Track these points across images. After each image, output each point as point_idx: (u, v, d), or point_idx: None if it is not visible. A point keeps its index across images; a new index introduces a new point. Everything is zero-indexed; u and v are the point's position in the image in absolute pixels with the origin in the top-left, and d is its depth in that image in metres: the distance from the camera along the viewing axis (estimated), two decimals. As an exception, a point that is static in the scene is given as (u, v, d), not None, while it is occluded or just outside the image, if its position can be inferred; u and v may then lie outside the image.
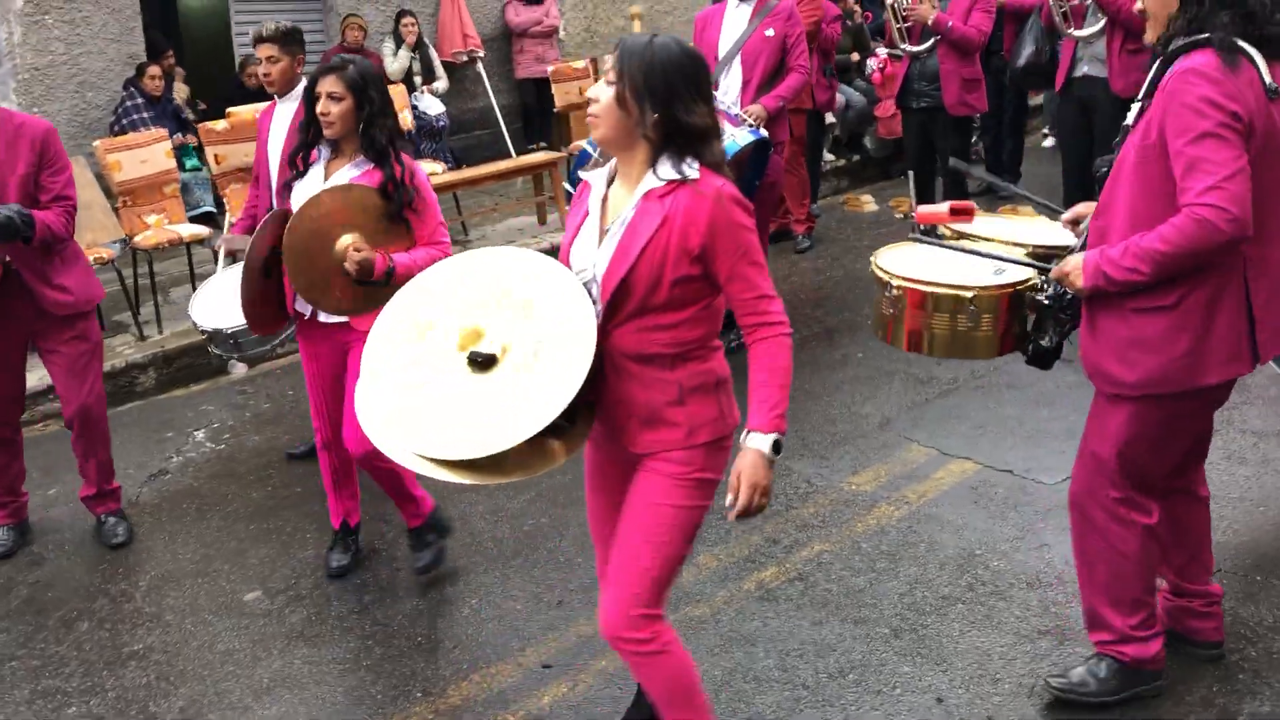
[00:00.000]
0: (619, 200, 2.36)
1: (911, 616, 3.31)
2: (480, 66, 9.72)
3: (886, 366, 5.18)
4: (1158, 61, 2.55)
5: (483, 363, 2.30)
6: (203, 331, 4.26)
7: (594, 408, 2.37)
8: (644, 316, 2.27)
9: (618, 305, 2.28)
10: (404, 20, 9.26)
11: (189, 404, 5.59)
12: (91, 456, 4.13)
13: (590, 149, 5.16)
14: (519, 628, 3.44)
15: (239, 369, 6.02)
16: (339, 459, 3.76)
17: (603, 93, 2.26)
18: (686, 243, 2.22)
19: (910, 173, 4.35)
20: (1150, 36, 2.64)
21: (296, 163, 3.55)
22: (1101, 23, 5.90)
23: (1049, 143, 9.56)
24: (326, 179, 3.45)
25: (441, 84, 9.36)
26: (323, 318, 3.55)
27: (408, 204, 3.37)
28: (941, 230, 3.08)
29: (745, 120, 5.28)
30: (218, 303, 4.27)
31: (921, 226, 3.10)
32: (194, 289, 4.97)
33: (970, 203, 3.12)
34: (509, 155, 9.02)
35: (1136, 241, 2.47)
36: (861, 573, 3.57)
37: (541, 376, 2.25)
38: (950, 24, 6.12)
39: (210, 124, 6.75)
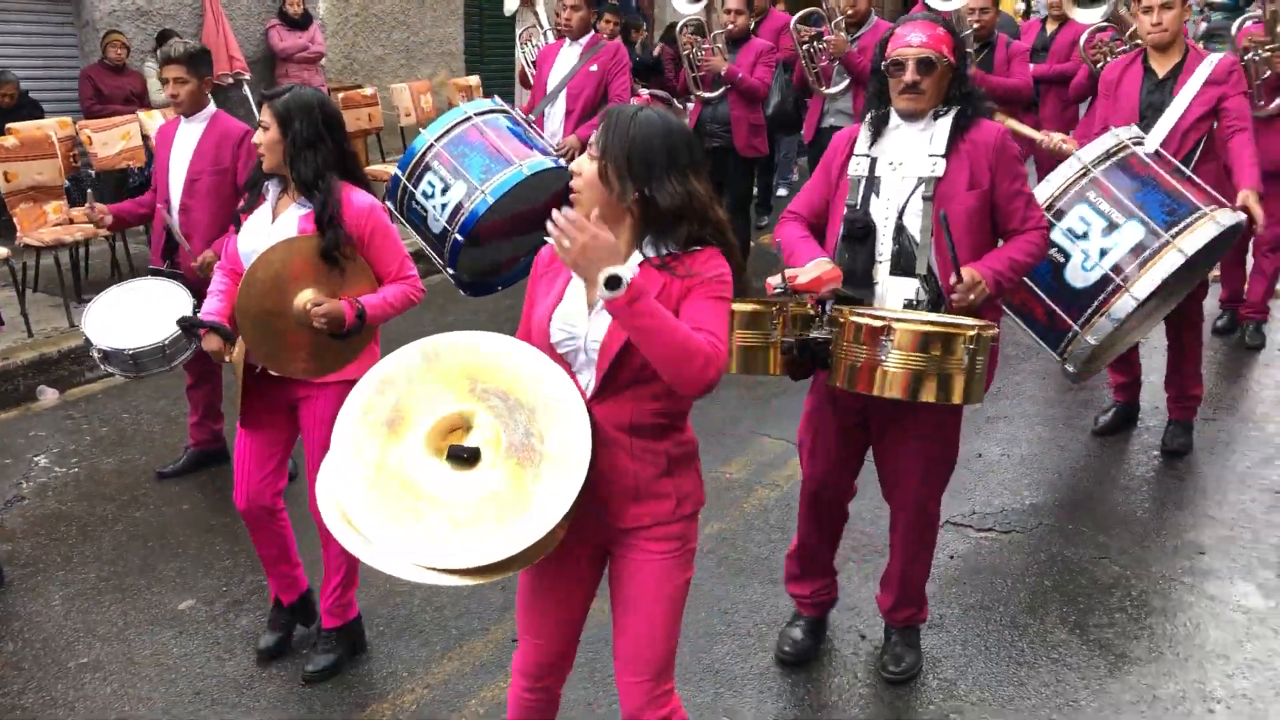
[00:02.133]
0: None
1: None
2: (246, 89, 9.59)
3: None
4: (945, 126, 3.01)
5: (466, 458, 2.15)
6: (100, 351, 4.20)
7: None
8: (639, 386, 2.21)
9: (614, 375, 2.22)
10: (167, 40, 9.00)
11: (12, 431, 5.33)
12: None
13: (400, 174, 5.45)
14: (477, 610, 3.73)
15: (49, 396, 5.78)
16: (269, 525, 3.40)
17: (585, 166, 2.24)
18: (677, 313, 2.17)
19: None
20: (925, 105, 3.02)
21: (246, 195, 3.37)
22: (846, 82, 6.88)
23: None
24: (275, 217, 3.26)
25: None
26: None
27: (335, 246, 3.10)
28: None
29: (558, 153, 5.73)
30: (115, 320, 4.24)
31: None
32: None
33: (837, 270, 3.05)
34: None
35: (1004, 256, 3.03)
36: (762, 544, 4.13)
37: (542, 466, 2.12)
38: (740, 75, 6.89)
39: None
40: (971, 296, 2.93)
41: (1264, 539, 4.15)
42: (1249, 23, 6.48)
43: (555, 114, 6.32)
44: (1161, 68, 4.57)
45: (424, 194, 5.28)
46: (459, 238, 5.21)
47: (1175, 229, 3.75)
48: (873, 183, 3.07)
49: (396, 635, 3.62)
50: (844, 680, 3.39)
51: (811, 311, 2.95)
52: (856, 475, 3.38)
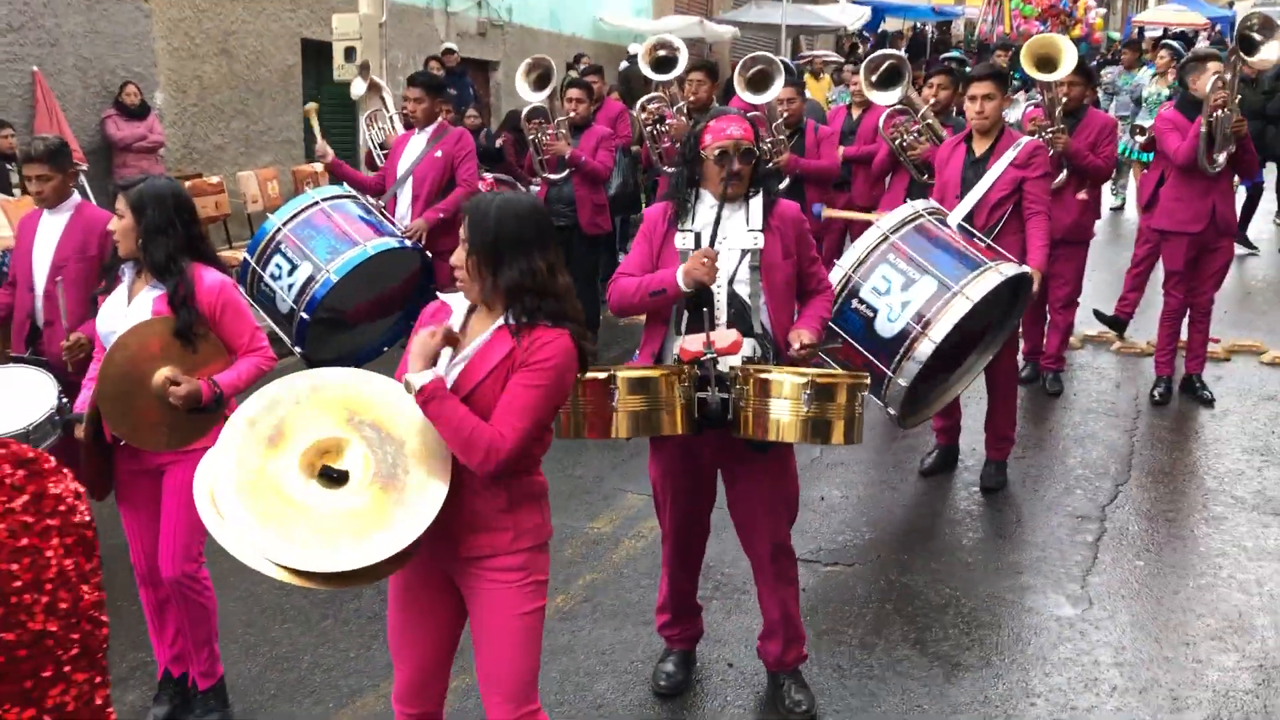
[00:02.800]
0: (476, 326, 2.62)
1: (687, 612, 4.24)
2: (83, 179, 9.49)
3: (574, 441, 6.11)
4: (758, 205, 3.43)
5: (336, 478, 2.39)
6: (-27, 433, 4.21)
7: None
8: None
9: None
10: (1, 131, 8.90)
11: None
12: None
13: (249, 257, 5.61)
14: (366, 670, 3.89)
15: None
16: (158, 595, 3.55)
17: (460, 259, 2.56)
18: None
19: None
20: (743, 189, 3.44)
21: (103, 279, 3.57)
22: None
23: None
24: (131, 298, 3.43)
25: (42, 196, 9.05)
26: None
27: (189, 325, 3.27)
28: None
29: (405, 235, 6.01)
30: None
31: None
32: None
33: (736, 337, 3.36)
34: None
35: (817, 314, 3.52)
36: (633, 590, 4.44)
37: (404, 494, 2.39)
38: (584, 159, 7.33)
39: None
40: (807, 352, 3.36)
41: (1069, 557, 4.70)
42: (1030, 106, 7.33)
43: (404, 198, 6.61)
44: (980, 148, 5.22)
45: (272, 275, 5.46)
46: (305, 316, 5.38)
47: (963, 280, 4.29)
48: None
49: (289, 697, 3.76)
50: (716, 704, 3.71)
51: (698, 373, 3.23)
52: (709, 515, 3.72)
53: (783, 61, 6.96)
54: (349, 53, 9.42)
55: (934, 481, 5.57)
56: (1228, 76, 6.16)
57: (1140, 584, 4.47)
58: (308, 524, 2.32)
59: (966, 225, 4.80)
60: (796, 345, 3.35)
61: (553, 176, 7.50)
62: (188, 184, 8.78)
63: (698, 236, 3.43)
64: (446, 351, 2.56)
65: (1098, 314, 7.94)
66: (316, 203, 5.67)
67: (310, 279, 5.37)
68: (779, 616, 3.64)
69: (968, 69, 8.05)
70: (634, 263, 3.56)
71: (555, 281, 2.56)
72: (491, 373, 2.51)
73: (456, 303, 2.68)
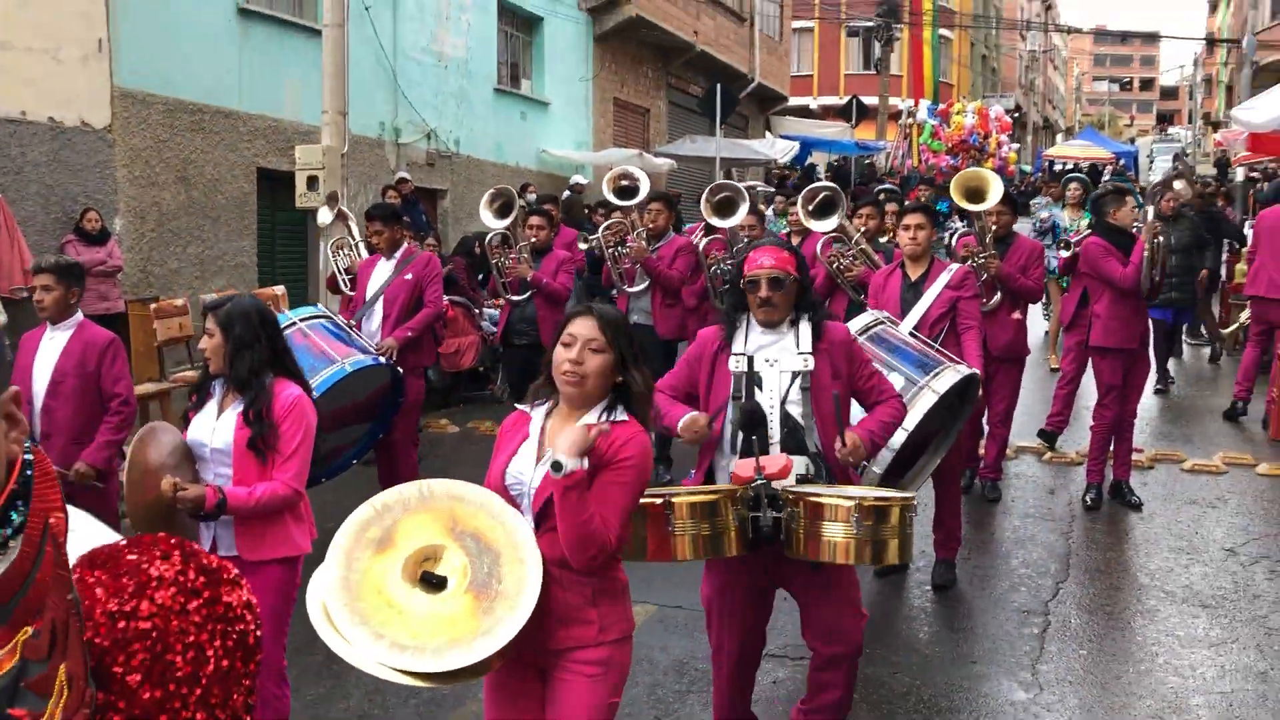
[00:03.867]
0: (557, 426, 2.80)
1: (666, 703, 4.44)
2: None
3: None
4: (806, 329, 3.66)
5: (435, 584, 2.55)
6: None
7: None
8: None
9: (545, 515, 2.69)
10: (-38, 253, 9.05)
11: None
12: None
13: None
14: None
15: None
16: None
17: (592, 359, 2.72)
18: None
19: None
20: (777, 316, 3.67)
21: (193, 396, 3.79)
22: (646, 284, 7.86)
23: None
24: (220, 412, 3.64)
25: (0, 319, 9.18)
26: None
27: (260, 436, 3.49)
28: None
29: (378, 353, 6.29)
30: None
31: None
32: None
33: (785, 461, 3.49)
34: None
35: (876, 420, 3.72)
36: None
37: (495, 603, 2.53)
38: (545, 281, 7.70)
39: None
40: (853, 457, 3.58)
41: (1019, 648, 5.01)
42: (961, 234, 7.91)
43: (373, 319, 6.88)
44: (914, 273, 5.71)
45: None
46: None
47: (927, 376, 4.69)
48: (754, 378, 3.63)
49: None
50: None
51: (750, 493, 3.34)
52: (765, 628, 3.87)
53: (747, 188, 7.50)
54: (311, 181, 9.79)
55: (889, 581, 5.87)
56: (1150, 210, 6.88)
57: (1085, 670, 4.78)
58: (404, 626, 2.48)
59: (916, 334, 5.25)
60: (838, 445, 3.54)
61: (515, 298, 7.86)
62: (152, 306, 8.99)
63: (750, 360, 3.64)
64: (531, 446, 2.77)
65: (1041, 433, 8.38)
66: (294, 323, 5.93)
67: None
68: (835, 705, 3.82)
69: (895, 198, 8.73)
70: (669, 382, 3.81)
71: (652, 384, 2.85)
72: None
73: (535, 412, 2.87)
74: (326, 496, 6.71)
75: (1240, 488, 7.50)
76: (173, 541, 1.12)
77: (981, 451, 7.45)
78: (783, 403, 3.61)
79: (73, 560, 1.07)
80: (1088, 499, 7.11)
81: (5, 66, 9.67)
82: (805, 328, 3.67)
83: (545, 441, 2.79)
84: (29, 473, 1.02)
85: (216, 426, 3.61)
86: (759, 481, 3.32)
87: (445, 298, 10.29)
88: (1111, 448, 7.22)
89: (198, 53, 11.62)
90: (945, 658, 4.93)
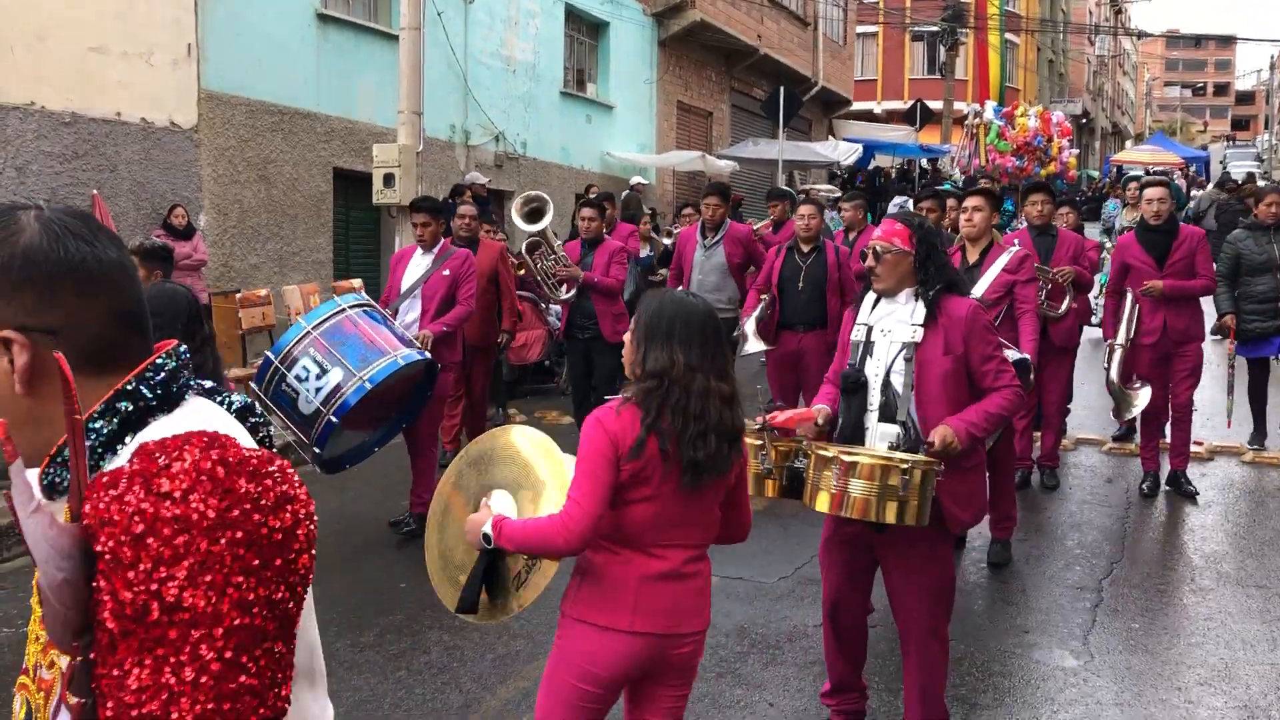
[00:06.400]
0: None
1: (728, 662, 4.67)
2: (133, 293, 10.14)
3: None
4: (918, 300, 3.68)
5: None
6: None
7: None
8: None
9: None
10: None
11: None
12: None
13: (273, 357, 5.66)
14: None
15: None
16: None
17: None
18: None
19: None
20: (883, 285, 3.72)
21: None
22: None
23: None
24: None
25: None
26: None
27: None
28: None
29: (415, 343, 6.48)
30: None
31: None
32: None
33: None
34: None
35: (980, 409, 3.59)
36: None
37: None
38: (596, 279, 7.91)
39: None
40: (944, 451, 3.50)
41: (1071, 620, 5.15)
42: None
43: (411, 311, 6.89)
44: (972, 255, 5.87)
45: (298, 377, 5.48)
46: (334, 419, 5.42)
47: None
48: (868, 346, 3.75)
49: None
50: (760, 736, 4.12)
51: (791, 446, 3.61)
52: (869, 593, 3.98)
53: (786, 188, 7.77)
54: (388, 179, 10.18)
55: (944, 559, 6.03)
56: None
57: (1136, 642, 4.92)
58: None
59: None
60: (929, 439, 3.54)
61: (565, 295, 8.09)
62: (238, 296, 9.43)
63: (869, 329, 3.77)
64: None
65: (1116, 437, 8.54)
66: (344, 309, 5.72)
67: (340, 385, 5.45)
68: (916, 697, 3.82)
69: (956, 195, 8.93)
70: (831, 370, 4.04)
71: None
72: None
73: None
74: (348, 482, 7.04)
75: (1301, 479, 7.53)
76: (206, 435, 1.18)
77: (1037, 444, 7.57)
78: (887, 371, 3.69)
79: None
80: (1144, 487, 7.20)
81: (102, 70, 10.20)
82: (922, 301, 3.71)
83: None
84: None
85: None
86: (759, 427, 3.56)
87: (517, 293, 10.66)
88: (1169, 439, 7.29)
89: (278, 56, 12.13)
90: (999, 627, 5.10)
